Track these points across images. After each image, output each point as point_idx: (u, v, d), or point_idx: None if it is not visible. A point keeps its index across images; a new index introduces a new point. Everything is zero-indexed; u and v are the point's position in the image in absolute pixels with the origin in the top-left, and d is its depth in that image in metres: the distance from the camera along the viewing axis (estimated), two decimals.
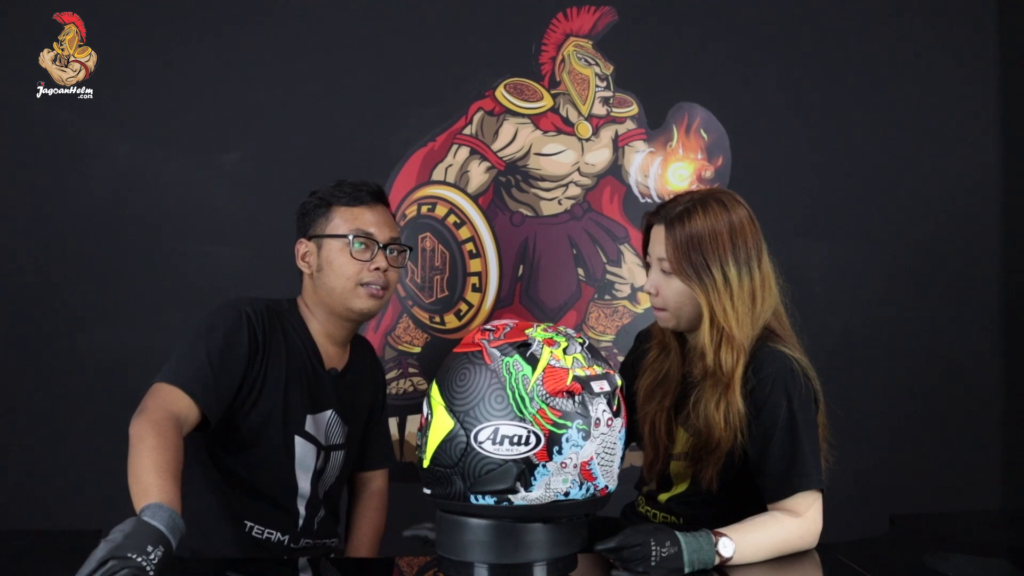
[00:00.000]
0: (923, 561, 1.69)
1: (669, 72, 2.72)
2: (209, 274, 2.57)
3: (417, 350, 2.71)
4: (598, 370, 1.41)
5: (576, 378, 1.38)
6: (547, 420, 1.36)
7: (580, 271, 2.72)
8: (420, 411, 2.67)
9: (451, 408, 1.40)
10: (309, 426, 1.89)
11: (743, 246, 1.68)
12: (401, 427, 2.71)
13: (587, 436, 1.37)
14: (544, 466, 1.36)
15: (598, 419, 1.38)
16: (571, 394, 1.37)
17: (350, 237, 1.88)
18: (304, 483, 1.88)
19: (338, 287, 1.89)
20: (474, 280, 2.70)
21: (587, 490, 1.39)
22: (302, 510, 1.89)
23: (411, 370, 2.70)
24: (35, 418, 2.59)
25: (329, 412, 1.94)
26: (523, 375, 1.38)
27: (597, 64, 2.70)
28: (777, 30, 2.74)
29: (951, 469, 2.74)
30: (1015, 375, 2.77)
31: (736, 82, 2.73)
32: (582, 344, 1.44)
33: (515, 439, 1.36)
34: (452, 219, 2.69)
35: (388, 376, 2.70)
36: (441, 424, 1.41)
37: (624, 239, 2.71)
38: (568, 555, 1.45)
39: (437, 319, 2.71)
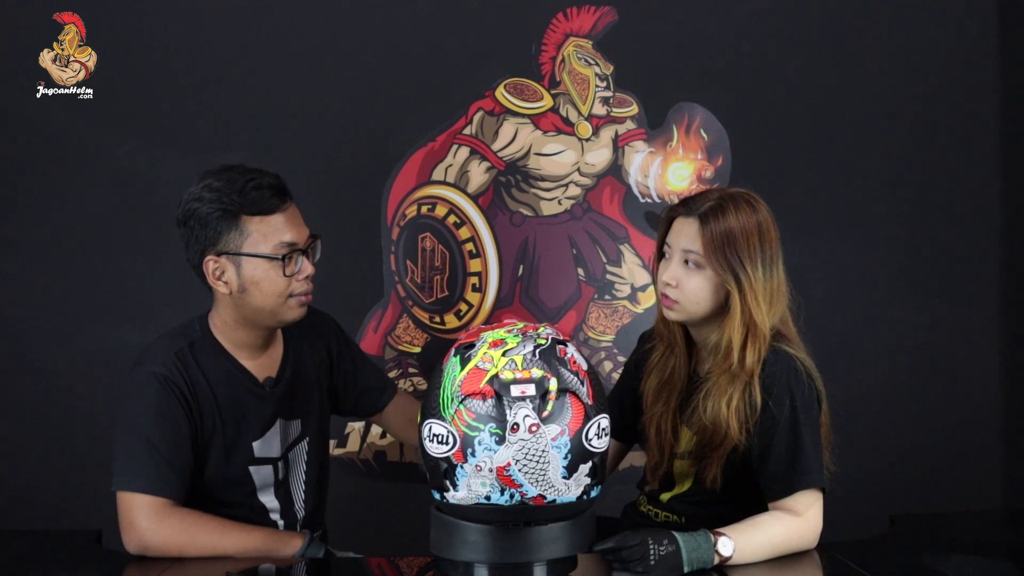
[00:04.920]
0: (923, 561, 1.69)
1: (669, 72, 2.72)
2: None
3: (417, 350, 2.71)
4: (536, 374, 1.36)
5: (495, 380, 1.35)
6: (462, 421, 1.34)
7: (580, 271, 2.72)
8: None
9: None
10: (258, 451, 1.82)
11: (769, 247, 1.69)
12: None
13: (501, 440, 1.33)
14: (462, 467, 1.35)
15: (516, 424, 1.33)
16: (484, 396, 1.34)
17: (279, 257, 1.72)
18: (269, 500, 1.85)
19: (268, 305, 1.75)
20: (474, 280, 2.70)
21: (511, 496, 1.35)
22: (279, 519, 1.87)
23: (411, 370, 2.70)
24: (35, 418, 2.59)
25: (276, 423, 1.84)
26: (454, 375, 1.38)
27: (597, 64, 2.70)
28: (777, 30, 2.73)
29: (951, 469, 2.74)
30: (1015, 375, 2.77)
31: (736, 82, 2.72)
32: (540, 345, 1.39)
33: (440, 438, 1.36)
34: (452, 219, 2.69)
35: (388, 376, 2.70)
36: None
37: (624, 239, 2.71)
38: (568, 556, 1.44)
39: (437, 319, 2.71)
